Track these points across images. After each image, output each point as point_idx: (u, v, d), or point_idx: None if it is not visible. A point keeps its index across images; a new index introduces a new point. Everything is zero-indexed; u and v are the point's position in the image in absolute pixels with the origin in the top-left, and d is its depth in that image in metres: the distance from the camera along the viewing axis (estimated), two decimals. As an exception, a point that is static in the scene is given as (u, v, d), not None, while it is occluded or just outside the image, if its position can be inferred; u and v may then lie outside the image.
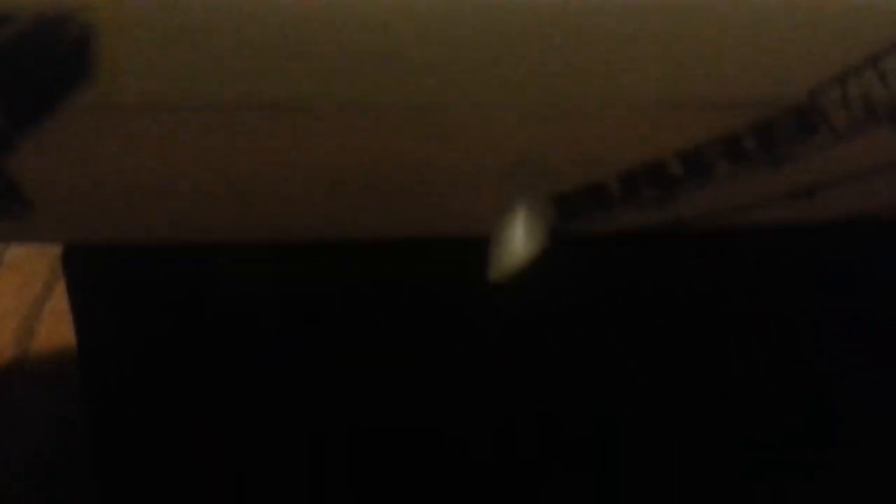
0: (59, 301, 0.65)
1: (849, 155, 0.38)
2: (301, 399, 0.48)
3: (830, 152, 0.38)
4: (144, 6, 0.32)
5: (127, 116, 0.33)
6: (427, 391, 0.47)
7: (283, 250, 0.42)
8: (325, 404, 0.47)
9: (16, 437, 0.60)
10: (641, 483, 0.50)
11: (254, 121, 0.33)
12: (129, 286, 0.45)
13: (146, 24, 0.32)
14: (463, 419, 0.47)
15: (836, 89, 0.36)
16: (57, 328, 0.66)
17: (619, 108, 0.36)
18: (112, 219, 0.37)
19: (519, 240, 0.35)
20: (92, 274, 0.46)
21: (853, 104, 0.37)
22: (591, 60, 0.35)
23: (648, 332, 0.48)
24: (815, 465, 0.51)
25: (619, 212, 0.38)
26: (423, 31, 0.34)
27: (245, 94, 0.33)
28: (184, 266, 0.44)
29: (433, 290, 0.43)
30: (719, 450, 0.50)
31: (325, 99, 0.33)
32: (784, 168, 0.38)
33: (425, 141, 0.35)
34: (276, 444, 0.49)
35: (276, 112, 0.33)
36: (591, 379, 0.48)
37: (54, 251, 0.61)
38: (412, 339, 0.45)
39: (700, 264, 0.46)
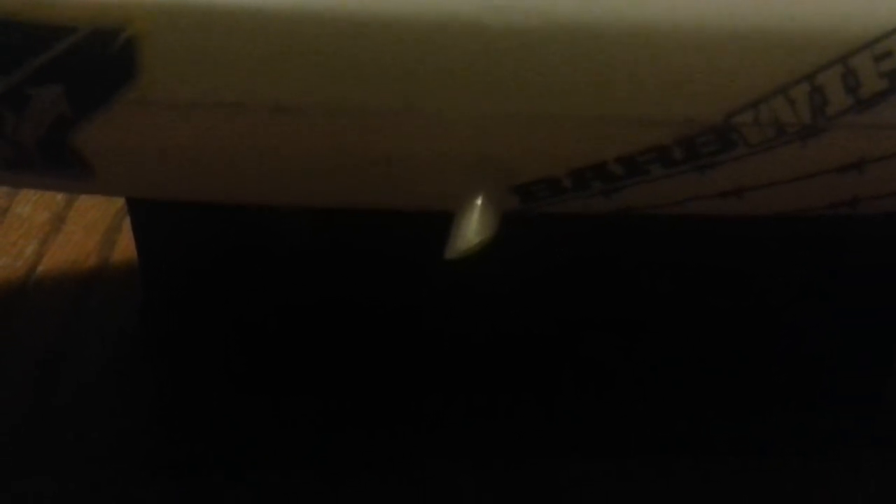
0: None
1: (766, 165, 0.45)
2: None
3: (749, 162, 0.44)
4: (175, 26, 0.40)
5: (162, 109, 0.41)
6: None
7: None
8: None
9: (96, 334, 0.66)
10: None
11: (258, 118, 0.41)
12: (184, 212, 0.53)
13: (176, 39, 0.40)
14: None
15: (750, 113, 0.43)
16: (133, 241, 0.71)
17: (568, 120, 0.43)
18: (154, 182, 0.45)
19: (474, 225, 0.42)
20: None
21: (765, 125, 0.43)
22: (546, 80, 0.42)
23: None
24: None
25: (570, 200, 0.46)
26: (406, 49, 0.41)
27: (248, 96, 0.41)
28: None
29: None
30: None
31: (317, 103, 0.41)
32: (709, 173, 0.45)
33: (405, 137, 0.43)
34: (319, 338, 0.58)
35: (278, 112, 0.41)
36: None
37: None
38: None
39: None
